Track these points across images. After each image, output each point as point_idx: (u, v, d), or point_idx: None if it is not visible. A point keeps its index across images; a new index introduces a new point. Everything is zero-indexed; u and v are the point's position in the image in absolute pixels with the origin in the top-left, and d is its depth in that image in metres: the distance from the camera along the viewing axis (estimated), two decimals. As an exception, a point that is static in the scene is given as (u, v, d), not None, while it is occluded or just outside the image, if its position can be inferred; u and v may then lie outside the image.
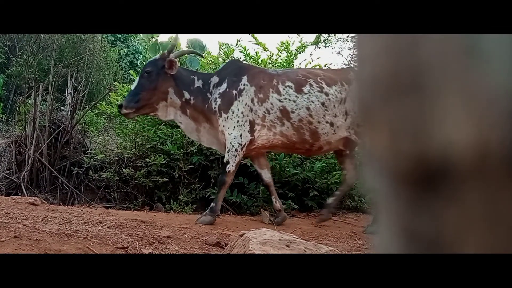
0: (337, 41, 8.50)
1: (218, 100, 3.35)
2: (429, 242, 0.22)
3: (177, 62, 3.43)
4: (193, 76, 3.48)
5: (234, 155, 3.29)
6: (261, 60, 4.60)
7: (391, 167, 0.23)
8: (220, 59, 5.00)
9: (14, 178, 4.36)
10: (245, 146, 3.31)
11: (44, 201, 3.33)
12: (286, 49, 4.67)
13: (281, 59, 4.74)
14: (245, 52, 4.66)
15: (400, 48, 0.23)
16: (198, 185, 4.01)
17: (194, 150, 4.00)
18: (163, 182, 3.96)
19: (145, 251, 2.21)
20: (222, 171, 3.30)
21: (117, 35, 11.98)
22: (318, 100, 3.37)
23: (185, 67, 4.25)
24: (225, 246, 2.44)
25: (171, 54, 3.39)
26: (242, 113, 3.33)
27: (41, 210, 2.92)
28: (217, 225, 3.09)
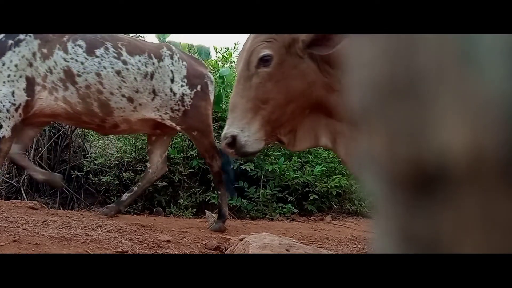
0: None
1: None
2: (426, 245, 0.22)
3: None
4: None
5: (6, 117, 2.73)
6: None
7: (388, 171, 0.24)
8: (219, 63, 5.00)
9: (14, 182, 4.36)
10: (21, 107, 2.77)
11: (43, 205, 3.33)
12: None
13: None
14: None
15: (397, 54, 0.24)
16: (198, 189, 4.01)
17: (194, 154, 4.00)
18: (163, 186, 3.96)
19: (145, 255, 2.21)
20: None
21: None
22: (112, 68, 2.87)
23: None
24: (225, 250, 2.44)
25: None
26: (16, 66, 2.75)
27: (41, 214, 2.92)
28: (217, 229, 3.08)
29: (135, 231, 2.67)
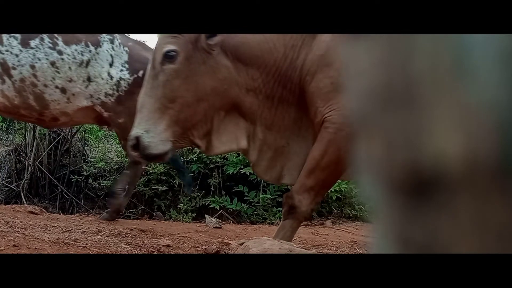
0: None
1: None
2: (422, 248, 0.23)
3: None
4: None
5: None
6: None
7: (386, 176, 0.24)
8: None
9: (14, 186, 4.36)
10: None
11: (43, 209, 3.33)
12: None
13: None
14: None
15: (394, 62, 0.24)
16: (198, 194, 4.01)
17: (194, 158, 4.00)
18: (162, 191, 3.96)
19: (145, 260, 2.20)
20: None
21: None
22: (47, 59, 2.81)
23: None
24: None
25: None
26: None
27: (41, 218, 2.92)
28: (217, 234, 3.08)
29: (134, 235, 2.67)
